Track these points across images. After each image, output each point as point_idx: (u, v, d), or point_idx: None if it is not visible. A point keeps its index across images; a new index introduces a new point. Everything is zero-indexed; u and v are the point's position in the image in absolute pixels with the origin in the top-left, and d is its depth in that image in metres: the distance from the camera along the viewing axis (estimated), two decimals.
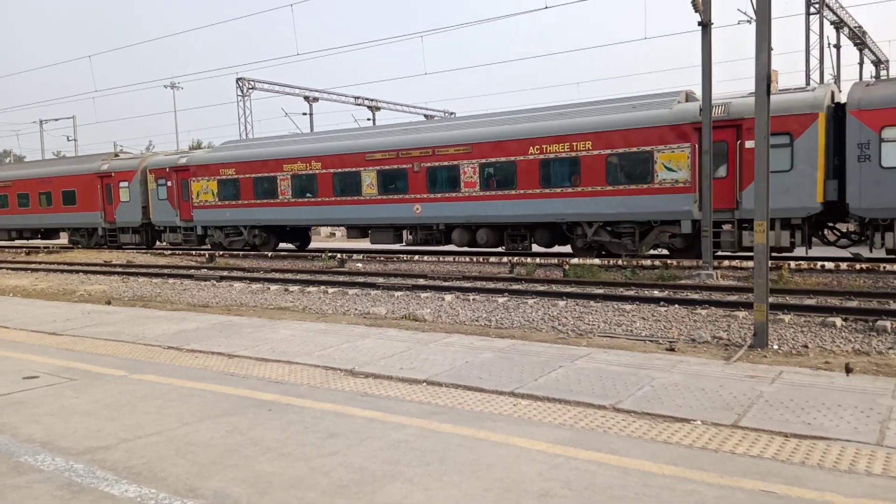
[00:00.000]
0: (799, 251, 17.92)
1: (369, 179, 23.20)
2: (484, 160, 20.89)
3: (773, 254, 17.37)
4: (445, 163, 21.64)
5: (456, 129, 22.07)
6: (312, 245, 31.30)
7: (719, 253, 18.22)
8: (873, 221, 16.11)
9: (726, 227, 17.71)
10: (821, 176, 16.23)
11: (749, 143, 16.71)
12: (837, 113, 16.55)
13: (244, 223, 27.07)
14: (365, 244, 27.07)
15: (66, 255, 29.21)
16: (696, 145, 17.37)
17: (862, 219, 16.41)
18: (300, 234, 28.89)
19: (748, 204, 16.78)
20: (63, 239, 37.22)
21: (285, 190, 25.43)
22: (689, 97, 19.00)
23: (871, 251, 16.78)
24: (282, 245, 28.68)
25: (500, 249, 21.96)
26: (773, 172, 16.38)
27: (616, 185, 18.79)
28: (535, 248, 21.71)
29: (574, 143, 19.32)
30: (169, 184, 29.14)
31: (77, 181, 32.44)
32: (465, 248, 22.55)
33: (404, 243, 24.07)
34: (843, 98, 16.96)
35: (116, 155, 33.64)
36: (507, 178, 20.52)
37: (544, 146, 19.81)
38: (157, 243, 31.57)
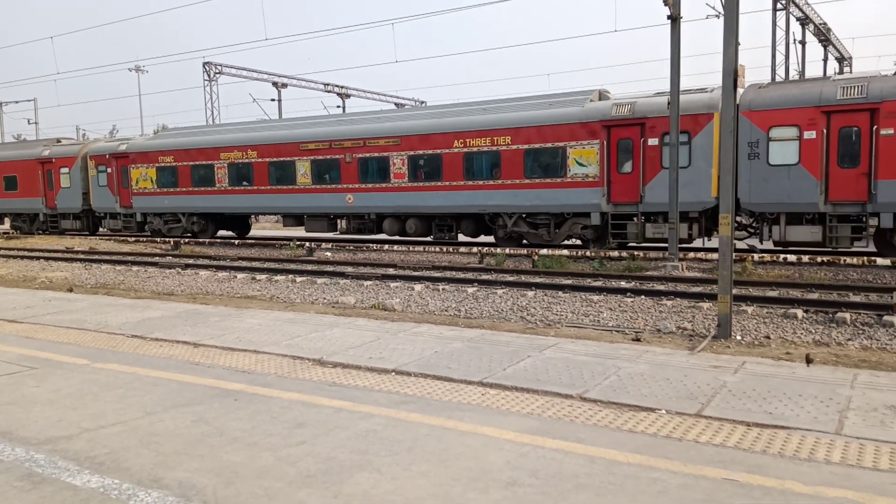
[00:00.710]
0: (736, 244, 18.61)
1: (304, 169, 23.63)
2: (412, 152, 21.45)
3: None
4: (376, 154, 22.12)
5: (386, 122, 22.65)
6: (254, 233, 31.60)
7: (641, 245, 19.14)
8: (762, 215, 17.10)
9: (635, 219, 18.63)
10: (716, 172, 17.07)
11: (651, 141, 17.77)
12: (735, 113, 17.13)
13: (182, 210, 27.37)
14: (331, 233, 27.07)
15: (27, 241, 28.59)
16: (605, 142, 18.43)
17: (752, 213, 17.37)
18: (240, 222, 29.22)
19: (651, 198, 17.94)
20: (6, 224, 37.09)
21: (222, 178, 25.74)
22: (601, 96, 19.83)
23: (761, 243, 17.73)
24: (260, 233, 28.62)
25: (431, 238, 22.48)
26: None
27: (533, 178, 19.58)
28: (462, 237, 22.32)
29: (495, 138, 20.05)
30: (109, 170, 29.30)
31: (19, 167, 32.42)
32: (471, 240, 22.86)
33: (339, 232, 24.45)
34: None
35: (58, 141, 33.71)
36: (434, 170, 21.11)
37: (468, 140, 20.48)
38: (100, 230, 31.65)
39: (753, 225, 18.06)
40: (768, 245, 17.65)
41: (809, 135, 16.04)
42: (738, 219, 18.63)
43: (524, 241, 20.58)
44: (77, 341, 8.45)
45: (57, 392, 6.18)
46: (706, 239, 18.33)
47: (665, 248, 17.49)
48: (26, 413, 5.59)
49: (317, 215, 24.13)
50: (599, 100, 19.46)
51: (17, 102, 62.85)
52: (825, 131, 15.98)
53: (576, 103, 19.29)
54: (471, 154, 20.42)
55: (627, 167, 18.27)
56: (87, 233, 31.20)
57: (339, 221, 24.22)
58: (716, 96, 17.35)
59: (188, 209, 27.10)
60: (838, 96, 15.87)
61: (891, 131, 15.37)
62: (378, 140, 22.03)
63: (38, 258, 21.59)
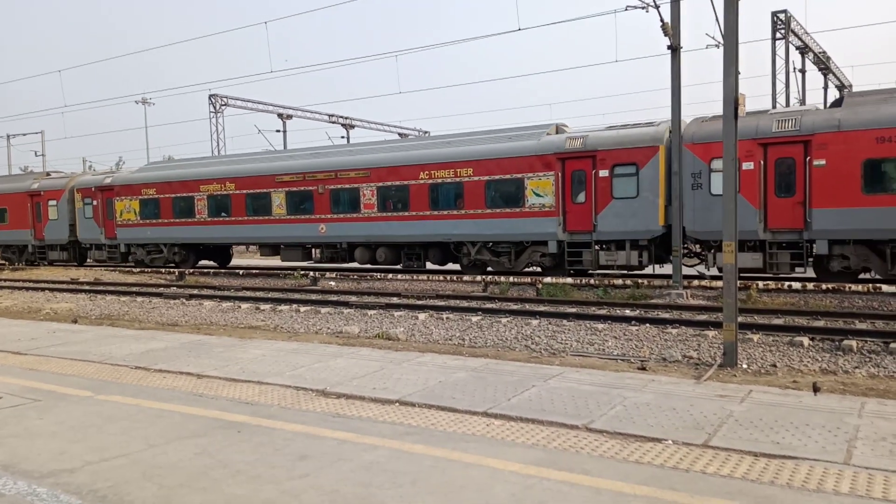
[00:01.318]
0: (698, 270, 19.19)
1: (279, 200, 24.33)
2: (381, 184, 22.12)
3: (624, 271, 19.07)
4: (347, 185, 22.79)
5: (356, 155, 23.33)
6: (257, 262, 32.15)
7: (591, 271, 19.68)
8: (706, 243, 17.63)
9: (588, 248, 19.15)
10: (662, 202, 17.75)
11: (602, 173, 18.44)
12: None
13: (164, 241, 28.00)
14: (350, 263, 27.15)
15: (32, 273, 28.74)
16: (559, 173, 19.03)
17: (698, 240, 17.88)
18: (221, 252, 29.70)
19: (603, 227, 18.56)
20: None
21: (202, 209, 26.41)
22: (558, 129, 20.47)
23: (707, 269, 18.19)
24: (263, 263, 28.75)
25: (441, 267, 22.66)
26: (623, 199, 18.14)
27: (494, 208, 20.21)
28: (429, 265, 22.65)
29: (458, 170, 20.74)
30: (94, 203, 29.97)
31: (9, 199, 33.19)
32: (439, 267, 22.88)
33: (313, 261, 24.90)
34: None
35: (48, 174, 34.50)
36: (402, 200, 21.77)
37: (433, 172, 21.15)
38: (88, 260, 32.16)
39: (701, 253, 18.53)
40: (714, 272, 18.06)
41: (748, 166, 16.45)
42: (688, 247, 19.11)
43: (488, 269, 21.07)
44: (81, 373, 8.43)
45: (60, 424, 6.16)
46: (657, 266, 18.95)
47: (669, 276, 17.53)
48: (29, 446, 5.56)
49: (292, 245, 24.74)
50: (556, 133, 20.07)
51: (24, 135, 63.62)
52: (762, 162, 16.43)
53: (533, 137, 19.96)
54: (436, 185, 21.06)
55: (581, 197, 18.87)
56: (74, 263, 31.83)
57: (313, 251, 24.75)
58: (661, 130, 18.07)
59: (170, 240, 27.72)
60: (773, 129, 16.35)
61: (822, 162, 15.79)
62: (349, 172, 22.71)
63: (43, 289, 21.65)
